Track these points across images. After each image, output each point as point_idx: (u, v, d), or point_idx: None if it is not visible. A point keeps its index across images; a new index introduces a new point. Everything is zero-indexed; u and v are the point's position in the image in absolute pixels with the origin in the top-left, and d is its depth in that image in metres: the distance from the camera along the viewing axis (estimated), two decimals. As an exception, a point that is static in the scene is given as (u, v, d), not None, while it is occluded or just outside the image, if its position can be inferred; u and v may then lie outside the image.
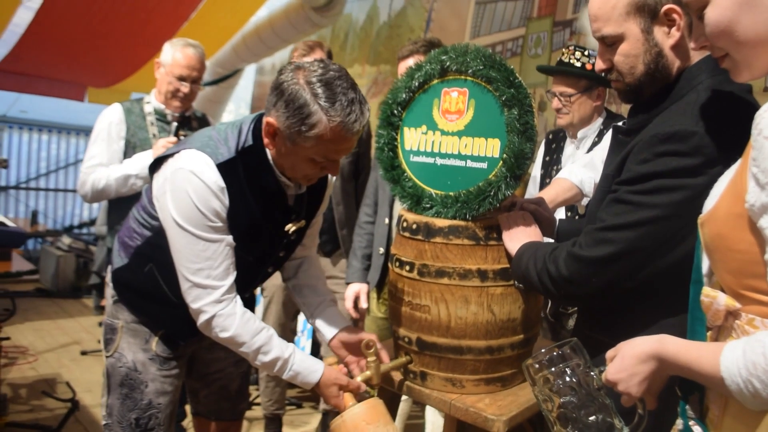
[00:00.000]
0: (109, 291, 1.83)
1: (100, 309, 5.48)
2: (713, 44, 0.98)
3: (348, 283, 2.61)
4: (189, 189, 1.51)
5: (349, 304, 2.55)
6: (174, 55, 2.65)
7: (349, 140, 1.50)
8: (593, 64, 2.42)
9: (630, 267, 1.26)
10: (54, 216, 8.39)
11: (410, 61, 2.33)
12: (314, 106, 1.43)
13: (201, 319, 1.59)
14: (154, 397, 1.77)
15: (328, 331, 1.79)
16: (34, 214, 7.78)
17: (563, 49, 2.52)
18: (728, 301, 0.95)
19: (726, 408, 0.96)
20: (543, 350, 1.15)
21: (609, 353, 1.09)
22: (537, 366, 1.15)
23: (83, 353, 4.47)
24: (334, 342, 1.78)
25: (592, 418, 1.09)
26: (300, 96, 1.43)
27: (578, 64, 2.43)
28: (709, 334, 1.01)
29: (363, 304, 2.55)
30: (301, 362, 1.64)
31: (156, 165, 1.63)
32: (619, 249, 1.24)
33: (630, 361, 1.02)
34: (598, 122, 2.50)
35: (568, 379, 1.11)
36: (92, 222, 8.02)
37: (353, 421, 1.58)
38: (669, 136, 1.18)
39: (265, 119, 1.52)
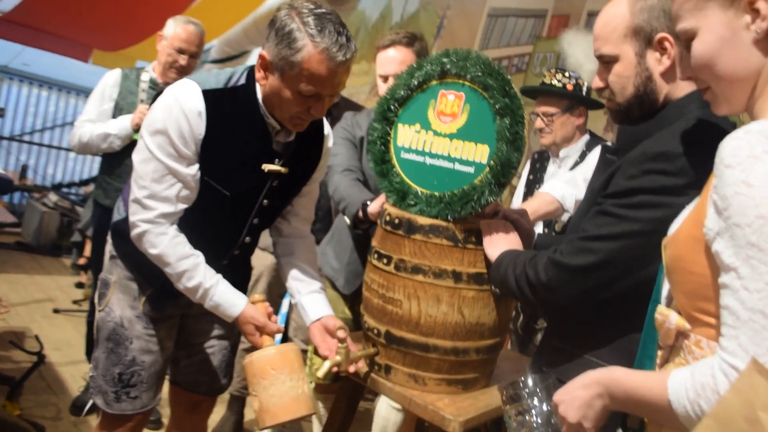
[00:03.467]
0: (108, 247, 1.88)
1: (76, 267, 5.47)
2: (697, 76, 1.02)
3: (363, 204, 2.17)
4: (167, 109, 1.57)
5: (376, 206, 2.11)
6: (175, 29, 2.84)
7: (334, 72, 1.52)
8: (574, 85, 2.48)
9: (608, 278, 1.29)
10: (43, 172, 8.36)
11: (390, 52, 2.30)
12: (301, 33, 1.49)
13: (134, 231, 1.65)
14: (138, 354, 1.80)
15: (312, 314, 1.81)
16: (24, 168, 7.75)
17: (545, 72, 2.59)
18: (679, 321, 0.98)
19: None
20: (522, 380, 1.19)
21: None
22: (511, 395, 1.19)
23: (56, 311, 4.46)
24: (315, 325, 1.79)
25: None
26: (289, 24, 1.50)
27: (559, 85, 2.49)
28: (660, 353, 1.04)
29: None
30: (223, 294, 1.68)
31: None
32: (600, 259, 1.28)
33: (574, 384, 1.05)
34: (581, 142, 2.56)
35: (535, 417, 1.15)
36: (81, 182, 7.99)
37: (260, 363, 1.61)
38: (658, 155, 1.23)
39: (259, 53, 1.57)
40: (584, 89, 2.52)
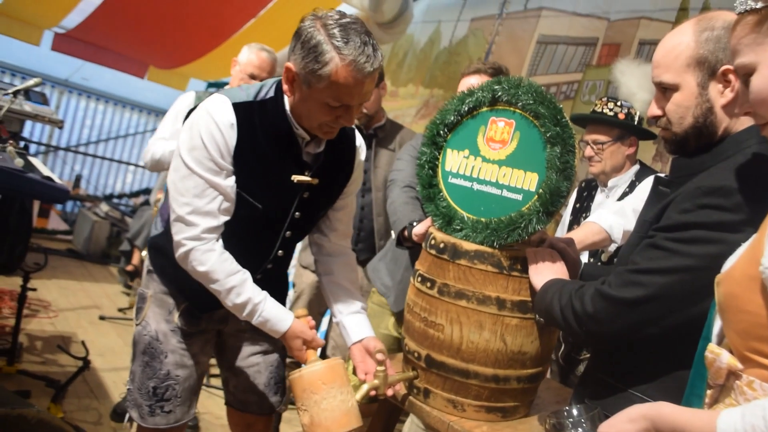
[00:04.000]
0: (146, 262, 1.91)
1: (124, 273, 5.62)
2: (755, 111, 1.00)
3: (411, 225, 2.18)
4: (201, 123, 1.59)
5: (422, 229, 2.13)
6: (249, 56, 2.95)
7: (361, 82, 1.52)
8: (626, 114, 2.45)
9: (656, 313, 1.27)
10: (96, 183, 8.62)
11: (472, 80, 2.33)
12: (327, 45, 1.48)
13: (179, 251, 1.64)
14: (172, 368, 1.82)
15: (353, 335, 1.80)
16: (78, 178, 8.01)
17: (596, 101, 2.56)
18: (731, 360, 0.96)
19: None
20: (566, 410, 1.18)
21: None
22: (554, 425, 1.18)
23: (102, 318, 4.58)
24: (356, 346, 1.78)
25: None
26: (314, 36, 1.50)
27: (611, 114, 2.46)
28: (709, 393, 1.02)
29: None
30: (271, 310, 1.67)
31: None
32: (649, 293, 1.25)
33: (620, 417, 1.03)
34: (631, 172, 2.52)
35: None
36: (132, 194, 8.22)
37: (310, 378, 1.61)
38: (713, 189, 1.20)
39: (285, 66, 1.58)
40: (636, 119, 2.49)
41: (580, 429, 1.16)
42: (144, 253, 4.97)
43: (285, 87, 1.61)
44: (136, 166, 8.70)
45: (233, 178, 1.64)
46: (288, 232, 1.80)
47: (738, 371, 0.96)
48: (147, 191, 7.98)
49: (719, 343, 1.03)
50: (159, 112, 8.67)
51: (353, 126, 1.79)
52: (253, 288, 1.67)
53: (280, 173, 1.68)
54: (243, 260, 1.70)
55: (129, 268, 5.51)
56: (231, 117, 1.59)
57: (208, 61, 6.43)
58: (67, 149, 8.46)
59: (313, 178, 1.72)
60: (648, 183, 2.22)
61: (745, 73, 1.00)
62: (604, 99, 2.52)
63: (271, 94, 1.66)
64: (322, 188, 1.76)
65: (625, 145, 2.49)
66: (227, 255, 1.66)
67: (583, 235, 2.06)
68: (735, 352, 0.98)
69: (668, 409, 0.97)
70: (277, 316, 1.68)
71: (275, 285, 1.92)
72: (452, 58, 5.17)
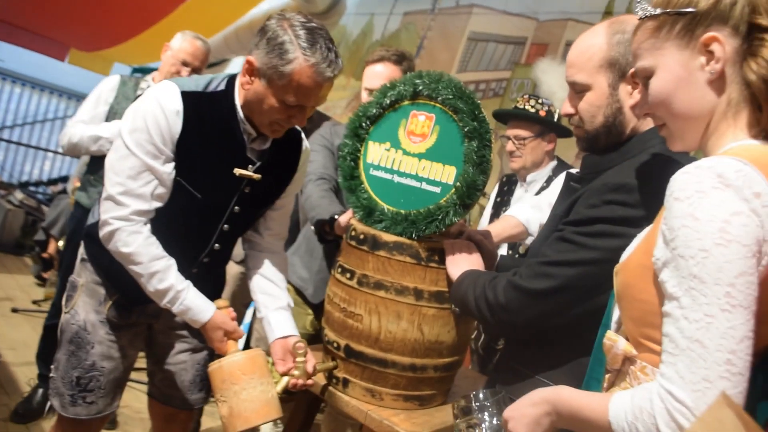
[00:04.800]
0: (81, 250, 1.88)
1: (39, 261, 5.37)
2: (654, 112, 1.06)
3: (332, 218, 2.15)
4: (147, 107, 1.59)
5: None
6: (182, 43, 2.90)
7: (320, 85, 1.56)
8: (546, 111, 2.54)
9: (564, 303, 1.32)
10: (11, 170, 8.21)
11: (378, 67, 2.34)
12: (293, 45, 1.52)
13: (104, 230, 1.62)
14: (98, 359, 1.80)
15: (276, 331, 1.79)
16: (-9, 164, 7.61)
17: (518, 98, 2.65)
18: (626, 347, 1.02)
19: None
20: (474, 394, 1.21)
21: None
22: (462, 408, 1.21)
23: (14, 310, 4.37)
24: (277, 342, 1.77)
25: None
26: (281, 35, 1.54)
27: (533, 111, 2.55)
28: (607, 377, 1.07)
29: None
30: (193, 299, 1.67)
31: None
32: (557, 284, 1.31)
33: (523, 401, 1.08)
34: (549, 167, 2.61)
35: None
36: (50, 182, 7.86)
37: (230, 369, 1.61)
38: (618, 186, 1.27)
39: (246, 59, 1.59)
40: (556, 116, 2.58)
41: (486, 413, 1.19)
42: (60, 243, 4.76)
43: (243, 79, 1.62)
44: (55, 152, 8.33)
45: (172, 165, 1.64)
46: (226, 226, 1.79)
47: (633, 357, 1.02)
48: (65, 179, 7.64)
49: (617, 330, 1.09)
50: (80, 97, 8.31)
51: (299, 128, 1.80)
52: (177, 276, 1.66)
53: (222, 165, 1.68)
54: (179, 251, 1.70)
55: (45, 255, 5.28)
56: (178, 104, 1.59)
57: (134, 46, 6.21)
58: (-21, 133, 8.01)
59: (255, 174, 1.72)
60: (562, 178, 2.31)
61: (645, 76, 1.05)
62: (526, 96, 2.60)
63: (222, 87, 1.67)
64: (263, 185, 1.76)
65: (545, 141, 2.58)
66: (154, 240, 1.65)
67: (501, 228, 2.12)
68: (630, 338, 1.04)
69: (567, 393, 1.02)
70: (199, 306, 1.67)
71: (213, 280, 1.92)
72: (384, 51, 5.17)
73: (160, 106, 1.58)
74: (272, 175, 1.79)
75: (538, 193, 2.53)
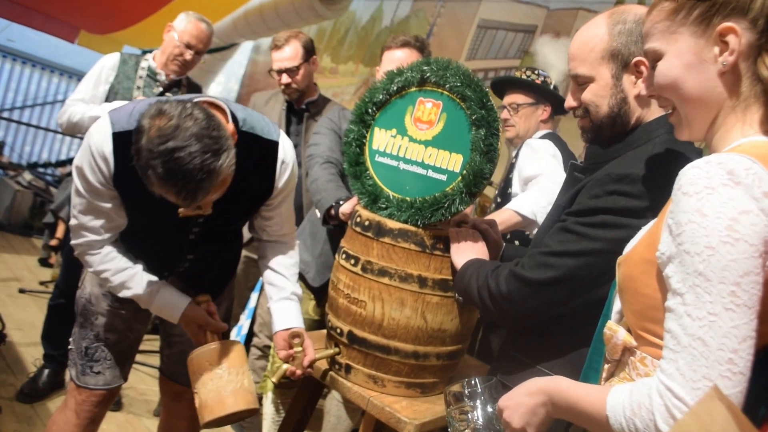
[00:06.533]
0: None
1: (48, 248, 5.40)
2: (660, 95, 1.04)
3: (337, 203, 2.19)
4: (84, 147, 1.59)
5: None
6: (187, 24, 2.85)
7: (178, 198, 1.41)
8: (542, 81, 2.53)
9: (565, 293, 1.32)
10: (20, 151, 8.24)
11: (400, 52, 2.34)
12: (149, 171, 1.38)
13: (74, 253, 1.73)
14: (102, 330, 1.87)
15: (280, 323, 1.79)
16: (0, 145, 7.63)
17: (516, 71, 2.64)
18: (626, 338, 1.01)
19: None
20: (466, 381, 1.21)
21: None
22: (455, 395, 1.21)
23: (21, 291, 4.40)
24: (281, 333, 1.77)
25: None
26: (140, 157, 1.39)
27: (528, 79, 2.55)
28: (606, 367, 1.07)
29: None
30: (164, 298, 1.73)
31: None
32: (559, 274, 1.30)
33: (520, 391, 1.07)
34: (538, 135, 2.57)
35: (477, 419, 1.17)
36: (58, 163, 7.88)
37: (199, 360, 1.65)
38: (621, 177, 1.25)
39: None
40: (551, 86, 2.56)
41: (478, 400, 1.19)
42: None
43: None
44: (64, 134, 8.33)
45: (117, 200, 1.63)
46: (192, 237, 1.79)
47: (632, 348, 1.01)
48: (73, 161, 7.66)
49: (618, 321, 1.08)
50: (90, 79, 8.30)
51: (276, 140, 1.71)
52: (143, 280, 1.72)
53: (163, 205, 1.52)
54: (155, 259, 1.77)
55: (53, 242, 5.30)
56: (107, 148, 1.54)
57: (143, 29, 6.20)
58: (-12, 113, 8.03)
59: (202, 210, 1.55)
60: (525, 151, 2.31)
61: (654, 58, 1.04)
62: (524, 68, 2.59)
63: None
64: (223, 211, 1.67)
65: (539, 111, 2.56)
66: (114, 254, 1.71)
67: (506, 216, 2.11)
68: (631, 330, 1.03)
69: (565, 384, 1.01)
70: (171, 303, 1.74)
71: (208, 272, 1.92)
72: (393, 37, 5.15)
73: (91, 150, 1.56)
74: (230, 200, 1.63)
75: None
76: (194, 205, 1.46)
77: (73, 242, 1.71)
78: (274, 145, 1.72)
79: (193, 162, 1.35)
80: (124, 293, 1.72)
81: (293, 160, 1.78)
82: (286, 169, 1.75)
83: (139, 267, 1.73)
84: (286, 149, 1.75)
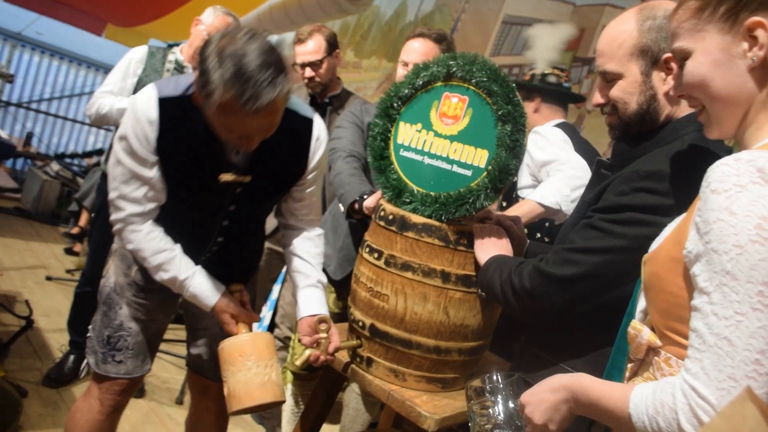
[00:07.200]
0: None
1: (70, 237, 5.49)
2: (689, 94, 1.03)
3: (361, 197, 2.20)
4: (128, 114, 1.61)
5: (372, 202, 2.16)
6: (214, 18, 2.87)
7: (251, 117, 1.43)
8: (531, 75, 2.51)
9: (590, 290, 1.31)
10: (48, 141, 8.37)
11: (417, 42, 2.36)
12: (215, 74, 1.41)
13: (113, 229, 1.73)
14: (125, 319, 1.88)
15: (304, 309, 1.80)
16: (29, 136, 7.76)
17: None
18: (651, 337, 1.00)
19: None
20: (488, 376, 1.21)
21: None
22: (476, 390, 1.21)
23: (48, 278, 4.48)
24: (305, 319, 1.78)
25: None
26: (206, 60, 1.44)
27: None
28: (629, 366, 1.06)
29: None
30: (198, 286, 1.73)
31: None
32: (583, 271, 1.30)
33: (542, 387, 1.07)
34: (550, 125, 2.53)
35: (498, 414, 1.17)
36: (85, 154, 8.00)
37: (229, 350, 1.66)
38: (649, 174, 1.24)
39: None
40: (539, 77, 2.52)
41: (499, 396, 1.19)
42: (93, 214, 4.85)
43: (196, 93, 1.54)
44: (90, 125, 8.46)
45: (157, 168, 1.64)
46: (225, 221, 1.81)
47: (657, 347, 1.00)
48: (100, 152, 7.77)
49: (642, 320, 1.07)
50: (116, 72, 8.40)
51: (311, 118, 1.75)
52: (181, 265, 1.72)
53: (205, 169, 1.64)
54: (186, 241, 1.76)
55: (75, 230, 5.38)
56: (153, 113, 1.57)
57: (170, 22, 6.26)
58: (18, 105, 8.16)
59: (244, 176, 1.66)
60: (532, 138, 2.30)
61: (682, 58, 1.03)
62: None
63: None
64: (259, 184, 1.73)
65: (530, 107, 2.50)
66: (155, 234, 1.70)
67: (527, 209, 2.11)
68: (655, 329, 1.02)
69: (588, 381, 1.01)
70: (204, 292, 1.73)
71: (232, 262, 1.91)
72: (417, 32, 5.14)
73: (137, 115, 1.58)
74: (269, 172, 1.73)
75: None
76: (256, 113, 1.41)
77: (112, 217, 1.70)
78: (309, 122, 1.77)
79: (260, 67, 1.41)
80: (160, 275, 1.72)
81: (326, 139, 1.82)
82: (320, 147, 1.79)
83: (178, 250, 1.73)
84: (320, 127, 1.79)
